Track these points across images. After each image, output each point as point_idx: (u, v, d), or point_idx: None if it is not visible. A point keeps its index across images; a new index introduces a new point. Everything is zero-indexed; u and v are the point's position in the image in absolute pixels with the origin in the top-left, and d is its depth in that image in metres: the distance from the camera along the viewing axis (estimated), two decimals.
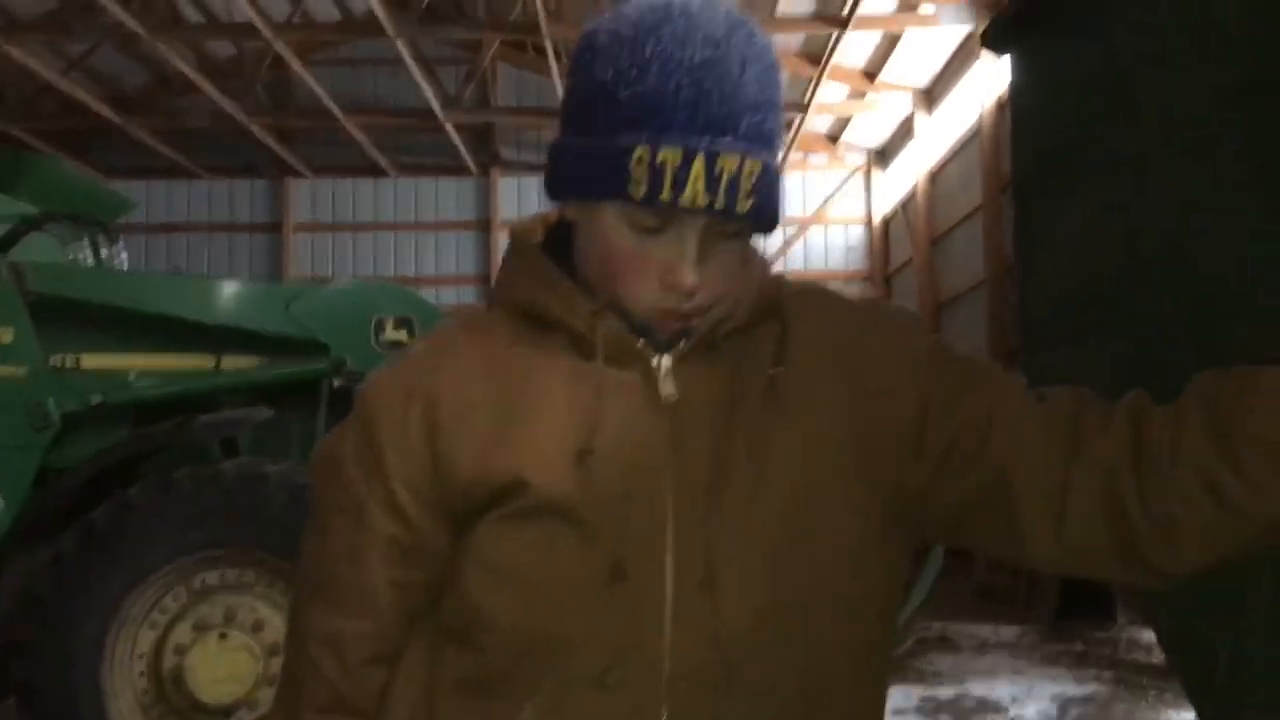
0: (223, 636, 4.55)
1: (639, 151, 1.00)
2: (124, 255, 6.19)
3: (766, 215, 1.04)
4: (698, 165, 0.98)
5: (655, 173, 0.99)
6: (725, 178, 0.99)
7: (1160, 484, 0.98)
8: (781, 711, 1.06)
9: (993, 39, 1.97)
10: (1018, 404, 1.08)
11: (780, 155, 1.04)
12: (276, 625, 4.52)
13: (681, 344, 1.10)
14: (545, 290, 1.12)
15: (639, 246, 1.05)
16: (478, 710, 1.08)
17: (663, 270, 1.05)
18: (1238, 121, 1.25)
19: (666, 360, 1.09)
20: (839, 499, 1.08)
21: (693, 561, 1.04)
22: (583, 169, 1.05)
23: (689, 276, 1.04)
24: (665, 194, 0.99)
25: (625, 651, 1.04)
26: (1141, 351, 1.47)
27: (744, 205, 1.01)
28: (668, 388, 1.08)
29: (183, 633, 4.56)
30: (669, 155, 0.99)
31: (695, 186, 0.99)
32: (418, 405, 1.09)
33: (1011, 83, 1.99)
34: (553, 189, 1.12)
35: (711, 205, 1.00)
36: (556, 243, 1.15)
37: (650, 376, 1.09)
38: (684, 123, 0.99)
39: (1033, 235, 1.92)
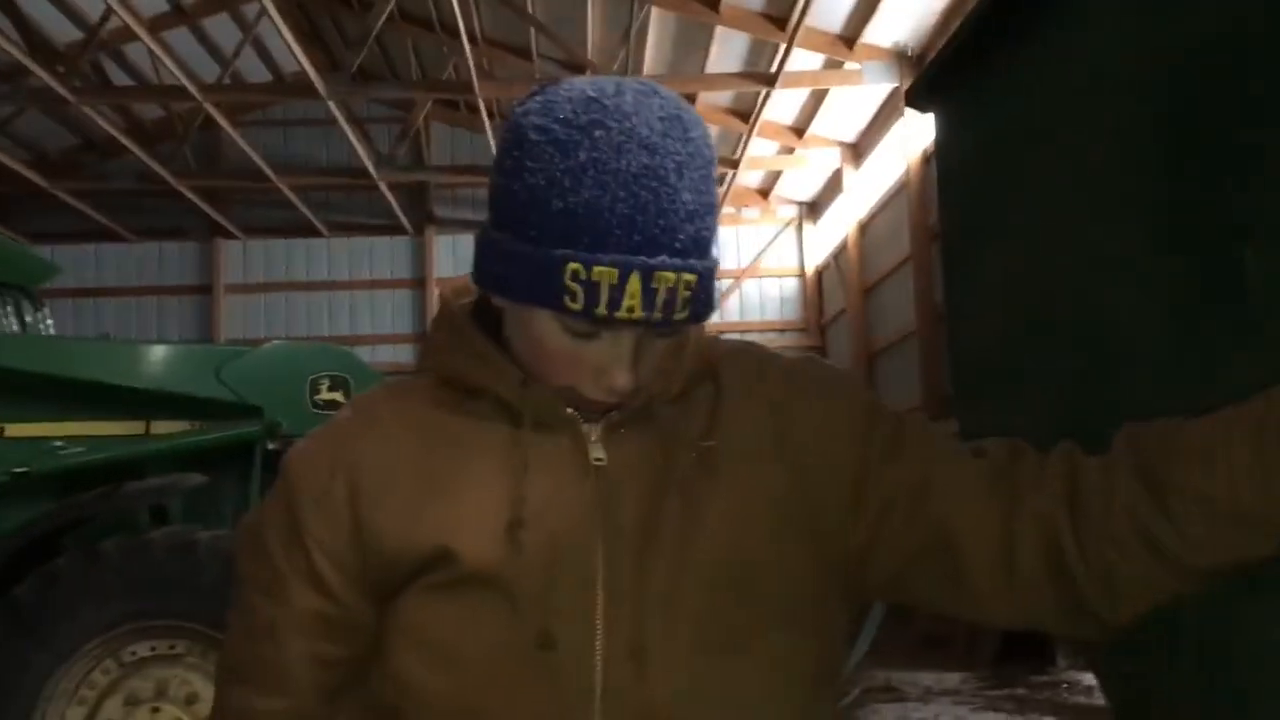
0: (155, 710, 4.42)
1: (572, 266, 0.96)
2: (49, 321, 6.06)
3: (702, 315, 1.02)
4: (634, 283, 0.96)
5: (590, 288, 0.96)
6: (662, 292, 0.97)
7: (1097, 534, 0.99)
8: None
9: (916, 98, 2.02)
10: (955, 461, 1.08)
11: (716, 250, 1.03)
12: (209, 698, 4.39)
13: (613, 413, 1.08)
14: (473, 360, 1.10)
15: (573, 350, 1.03)
16: None
17: (597, 372, 1.04)
18: (1145, 182, 1.30)
19: (597, 427, 1.08)
20: (773, 564, 1.06)
21: (622, 630, 1.02)
22: (513, 272, 1.01)
23: (624, 380, 1.03)
24: (601, 309, 0.97)
25: None
26: (1060, 405, 1.51)
27: (680, 314, 0.99)
28: (597, 453, 1.07)
29: (113, 708, 4.42)
30: (604, 273, 0.96)
31: (631, 302, 0.96)
32: (342, 474, 1.07)
33: (935, 140, 2.05)
34: (481, 280, 1.07)
35: (648, 319, 0.98)
36: (487, 307, 1.13)
37: (580, 443, 1.07)
38: (620, 240, 0.96)
39: (960, 287, 1.96)
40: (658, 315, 0.98)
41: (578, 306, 0.97)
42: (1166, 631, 1.26)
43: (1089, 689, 7.70)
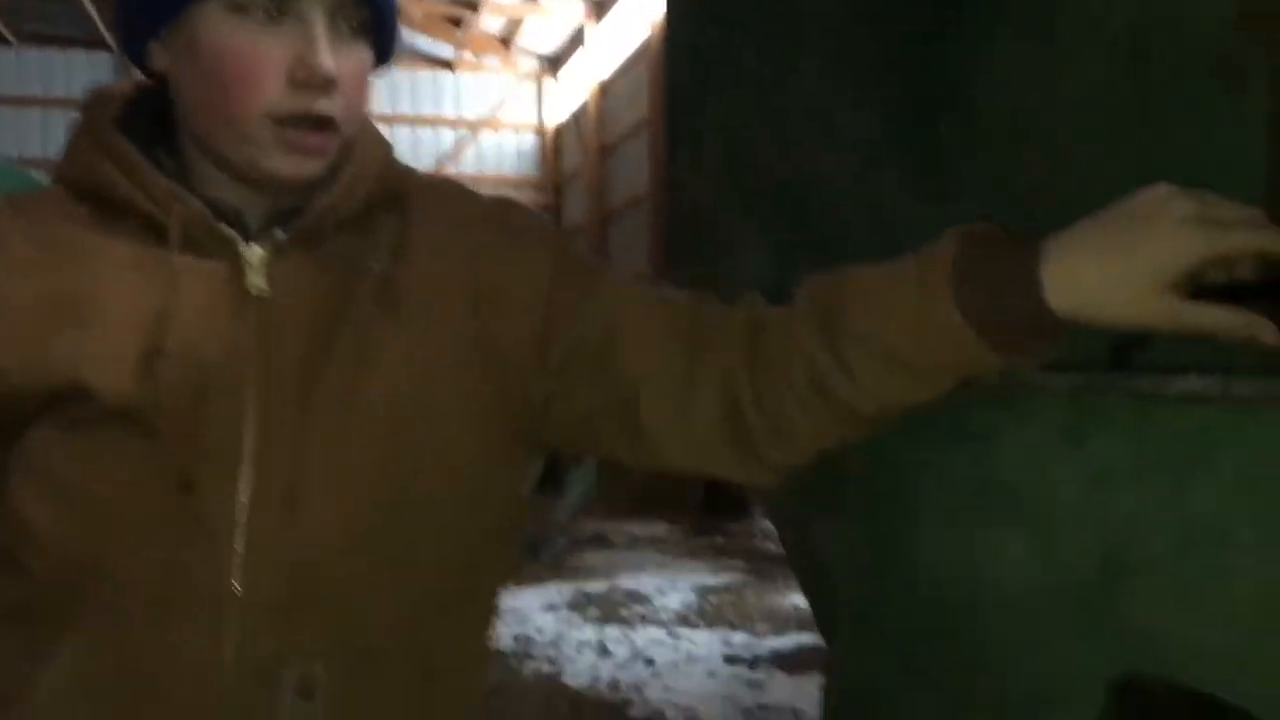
0: None
1: None
2: None
3: (382, 6, 0.96)
4: None
5: None
6: None
7: (774, 384, 1.00)
8: (372, 637, 0.99)
9: None
10: (644, 312, 1.06)
11: None
12: None
13: (277, 232, 0.98)
14: (112, 168, 0.97)
15: (254, 42, 0.92)
16: (19, 640, 0.96)
17: (291, 62, 0.92)
18: (861, 35, 1.32)
19: (259, 250, 0.97)
20: (451, 408, 1.01)
21: (275, 475, 0.94)
22: None
23: (325, 58, 0.92)
24: None
25: (187, 574, 0.93)
26: (766, 262, 1.55)
27: None
28: (257, 280, 0.97)
29: None
30: None
31: None
32: None
33: None
34: (129, 34, 0.97)
35: None
36: (139, 115, 1.01)
37: (237, 267, 0.96)
38: None
39: (679, 145, 1.96)
40: None
41: None
42: (832, 478, 1.34)
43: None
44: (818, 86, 1.40)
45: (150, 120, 1.01)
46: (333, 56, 0.93)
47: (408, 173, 1.09)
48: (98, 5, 15.00)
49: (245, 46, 0.92)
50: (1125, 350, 1.10)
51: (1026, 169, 1.08)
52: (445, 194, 1.10)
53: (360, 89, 0.98)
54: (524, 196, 17.09)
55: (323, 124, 0.95)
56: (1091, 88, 1.04)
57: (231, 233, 0.97)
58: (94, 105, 1.02)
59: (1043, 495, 1.14)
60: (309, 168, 0.96)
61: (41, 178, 5.90)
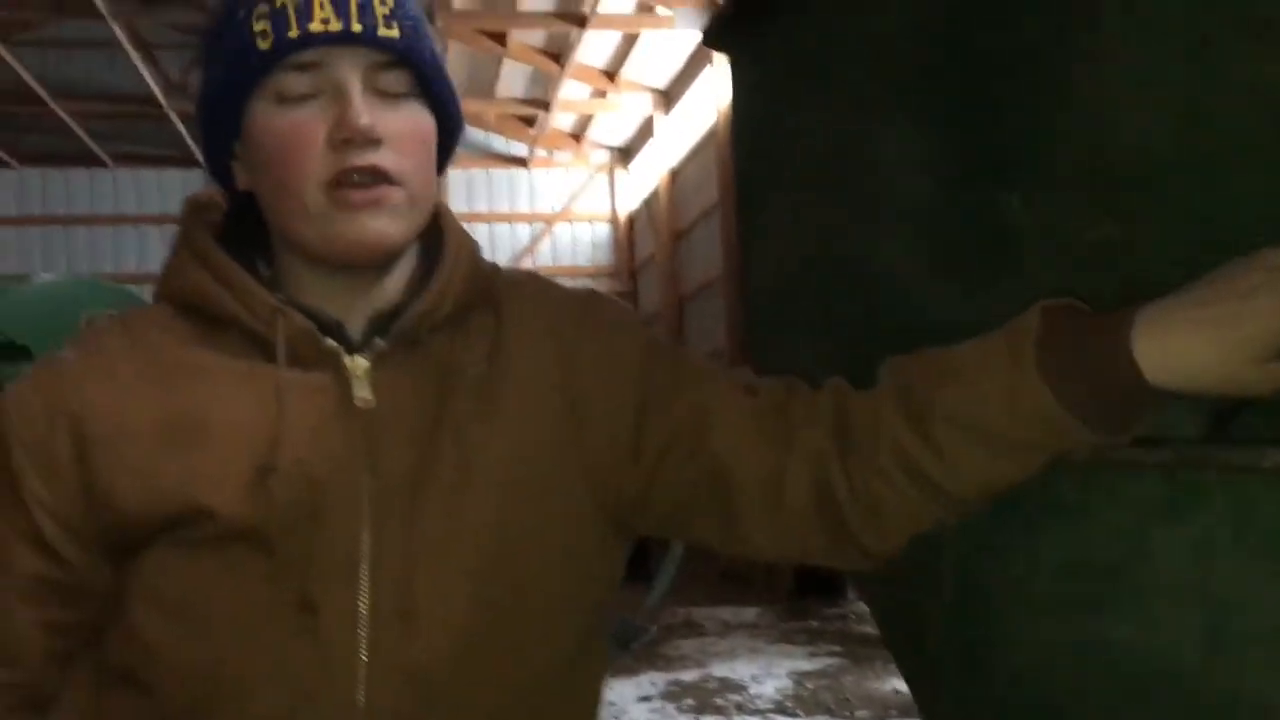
0: None
1: (258, 10, 0.94)
2: None
3: (420, 55, 0.97)
4: None
5: (277, 17, 0.93)
6: (355, 2, 0.93)
7: (863, 465, 1.00)
8: None
9: (712, 37, 2.02)
10: (732, 400, 1.06)
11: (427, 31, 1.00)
12: None
13: (378, 342, 1.00)
14: (217, 284, 0.99)
15: (296, 120, 0.95)
16: None
17: (330, 130, 0.94)
18: (920, 128, 1.33)
19: (362, 360, 0.99)
20: (552, 503, 1.02)
21: (389, 589, 0.95)
22: (212, 78, 0.98)
23: (358, 114, 0.93)
24: (292, 31, 0.92)
25: (314, 693, 0.93)
26: (840, 345, 1.54)
27: (387, 30, 0.94)
28: (363, 392, 0.98)
29: None
30: None
31: (324, 14, 0.92)
32: (64, 425, 0.95)
33: (731, 80, 2.05)
34: (212, 161, 1.02)
35: (349, 31, 0.93)
36: (238, 228, 1.05)
37: (343, 379, 0.98)
38: None
39: (750, 231, 1.98)
40: (356, 26, 0.93)
41: (267, 45, 0.93)
42: (929, 560, 1.32)
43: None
44: (877, 176, 1.41)
45: (247, 230, 1.04)
46: (375, 115, 0.95)
47: (495, 271, 1.11)
48: (187, 125, 15.69)
49: (288, 125, 0.95)
50: (1223, 420, 1.07)
51: (1097, 241, 1.08)
52: (534, 291, 1.12)
53: (415, 146, 0.99)
54: (600, 285, 17.30)
55: (371, 177, 0.95)
56: (1157, 155, 1.03)
57: (335, 345, 0.98)
58: (191, 216, 1.05)
59: (1142, 572, 1.11)
60: (373, 226, 0.96)
61: (138, 291, 6.15)
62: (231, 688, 0.94)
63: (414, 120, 0.99)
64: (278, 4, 0.93)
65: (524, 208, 18.17)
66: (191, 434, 0.95)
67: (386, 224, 0.96)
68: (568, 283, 1.18)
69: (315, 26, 0.92)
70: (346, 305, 1.01)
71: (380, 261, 1.00)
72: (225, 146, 1.02)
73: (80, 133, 15.69)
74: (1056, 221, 1.12)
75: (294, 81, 0.95)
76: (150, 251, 17.16)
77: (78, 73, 16.33)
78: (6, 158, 16.49)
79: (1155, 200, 1.01)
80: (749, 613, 9.19)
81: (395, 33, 0.95)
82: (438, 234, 1.07)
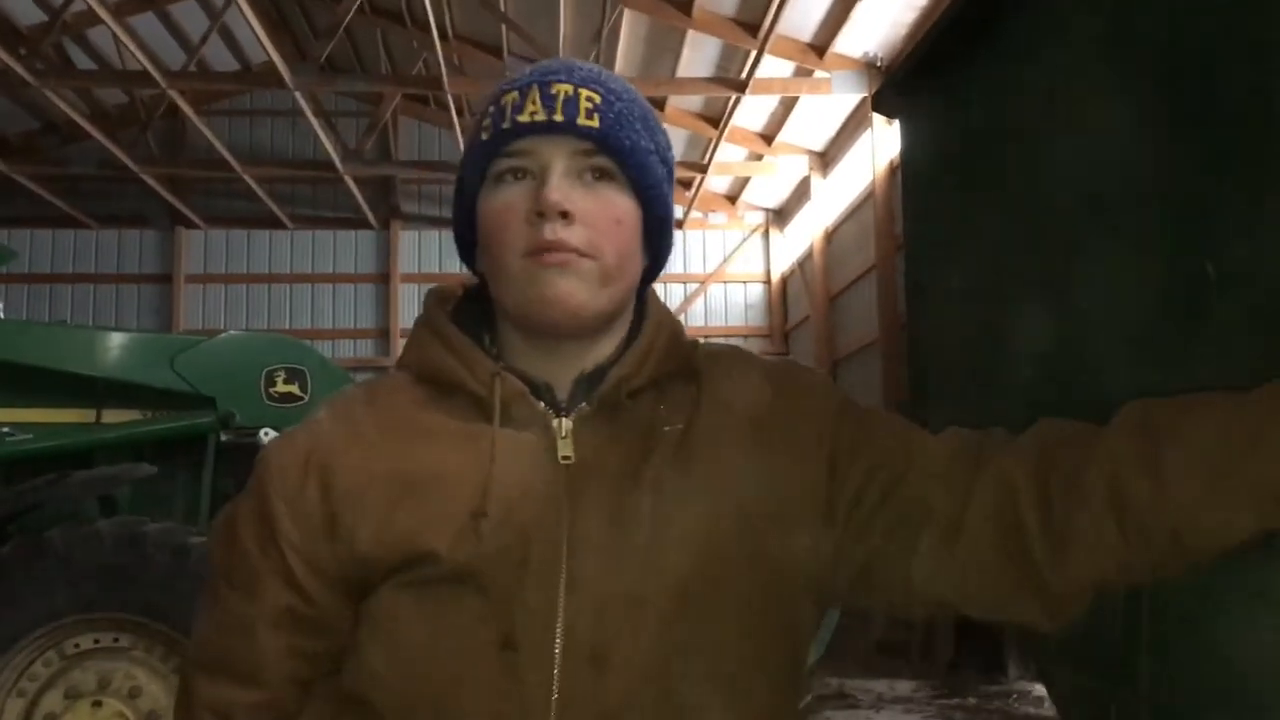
0: (96, 704, 4.32)
1: (488, 111, 1.10)
2: (0, 305, 5.95)
3: (619, 143, 1.08)
4: (533, 93, 1.07)
5: (498, 113, 1.08)
6: (561, 97, 1.07)
7: (1065, 490, 0.99)
8: None
9: (882, 102, 2.02)
10: (923, 443, 1.10)
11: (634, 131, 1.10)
12: (154, 692, 4.32)
13: (583, 405, 1.09)
14: (449, 355, 1.12)
15: (505, 198, 1.08)
16: None
17: (529, 206, 1.07)
18: (1106, 192, 1.29)
19: (567, 422, 1.08)
20: (743, 568, 1.06)
21: (583, 633, 1.02)
22: (460, 178, 1.13)
23: (551, 192, 1.05)
24: (506, 123, 1.07)
25: None
26: (1016, 409, 1.50)
27: (587, 121, 1.06)
28: (566, 450, 1.07)
29: (53, 700, 4.32)
30: (509, 98, 1.09)
31: (532, 108, 1.06)
32: (315, 478, 1.08)
33: (901, 145, 2.04)
34: (461, 248, 1.18)
35: (551, 120, 1.06)
36: (470, 309, 1.17)
37: (549, 438, 1.08)
38: (523, 80, 1.09)
39: (920, 294, 1.95)
40: (559, 117, 1.06)
41: (487, 136, 1.09)
42: (1125, 649, 1.25)
43: (1039, 699, 7.76)
44: (1067, 238, 1.37)
45: (479, 310, 1.16)
46: (570, 194, 1.06)
47: (695, 345, 1.19)
48: (361, 189, 16.46)
49: (500, 204, 1.09)
50: None
51: None
52: (732, 362, 1.19)
53: (609, 227, 1.09)
54: (752, 346, 17.26)
55: (564, 252, 1.06)
56: None
57: (544, 407, 1.09)
58: (432, 302, 1.19)
59: None
60: (561, 285, 1.06)
61: (313, 345, 6.43)
62: (442, 717, 1.03)
63: (608, 200, 1.09)
64: (502, 103, 1.09)
65: (677, 268, 18.33)
66: (420, 487, 1.06)
67: (574, 285, 1.07)
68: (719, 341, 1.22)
69: (524, 118, 1.07)
70: (555, 371, 1.11)
71: (572, 323, 1.09)
72: (470, 236, 1.16)
73: (264, 196, 16.62)
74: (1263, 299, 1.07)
75: (507, 166, 1.09)
76: (322, 308, 18.01)
77: (262, 139, 17.38)
78: (197, 220, 17.58)
79: None
80: (904, 686, 8.89)
81: (595, 123, 1.07)
82: (644, 314, 1.17)
